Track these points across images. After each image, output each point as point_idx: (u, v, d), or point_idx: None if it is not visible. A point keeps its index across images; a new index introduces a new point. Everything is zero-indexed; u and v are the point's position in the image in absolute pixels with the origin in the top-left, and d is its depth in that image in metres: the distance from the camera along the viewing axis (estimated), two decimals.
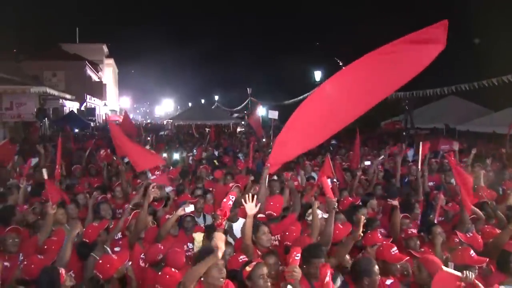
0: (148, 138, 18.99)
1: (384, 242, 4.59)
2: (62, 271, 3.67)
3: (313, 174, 9.59)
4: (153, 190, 5.08)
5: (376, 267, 3.81)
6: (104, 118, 49.67)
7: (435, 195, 7.04)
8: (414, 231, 5.25)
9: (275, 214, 5.63)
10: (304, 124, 5.12)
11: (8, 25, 35.28)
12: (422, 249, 5.06)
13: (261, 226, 4.74)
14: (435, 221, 6.14)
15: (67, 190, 8.08)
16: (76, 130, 27.27)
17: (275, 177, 7.92)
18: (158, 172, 9.18)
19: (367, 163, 10.03)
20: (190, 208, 5.09)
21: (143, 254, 4.74)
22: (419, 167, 7.87)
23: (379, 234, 4.92)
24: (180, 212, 5.01)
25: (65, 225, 5.84)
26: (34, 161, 10.79)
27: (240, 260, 3.98)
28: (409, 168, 9.90)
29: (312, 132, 5.12)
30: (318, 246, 4.08)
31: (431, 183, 8.73)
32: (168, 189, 7.76)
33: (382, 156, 10.59)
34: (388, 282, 3.88)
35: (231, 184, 7.39)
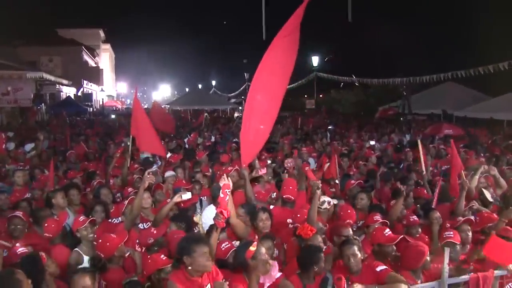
0: None
1: (377, 226, 4.68)
2: (43, 254, 3.68)
3: (311, 160, 9.62)
4: (148, 176, 5.03)
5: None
6: (101, 103, 49.37)
7: (436, 181, 7.06)
8: (416, 218, 5.29)
9: (292, 198, 5.64)
10: (254, 116, 5.28)
11: (4, 10, 34.78)
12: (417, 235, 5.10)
13: (259, 212, 4.71)
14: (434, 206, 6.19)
15: (64, 175, 8.10)
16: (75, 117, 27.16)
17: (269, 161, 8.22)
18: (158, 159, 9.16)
19: (372, 142, 10.54)
20: (187, 195, 5.06)
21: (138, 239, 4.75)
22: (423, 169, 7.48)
23: (378, 217, 4.97)
24: (176, 199, 4.99)
25: (67, 208, 5.82)
26: (30, 146, 10.80)
27: (223, 248, 3.90)
28: (406, 154, 9.89)
29: (262, 120, 5.29)
30: (315, 251, 3.89)
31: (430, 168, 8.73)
32: (170, 173, 7.73)
33: (373, 143, 10.74)
34: (379, 268, 3.79)
35: (230, 168, 7.39)
